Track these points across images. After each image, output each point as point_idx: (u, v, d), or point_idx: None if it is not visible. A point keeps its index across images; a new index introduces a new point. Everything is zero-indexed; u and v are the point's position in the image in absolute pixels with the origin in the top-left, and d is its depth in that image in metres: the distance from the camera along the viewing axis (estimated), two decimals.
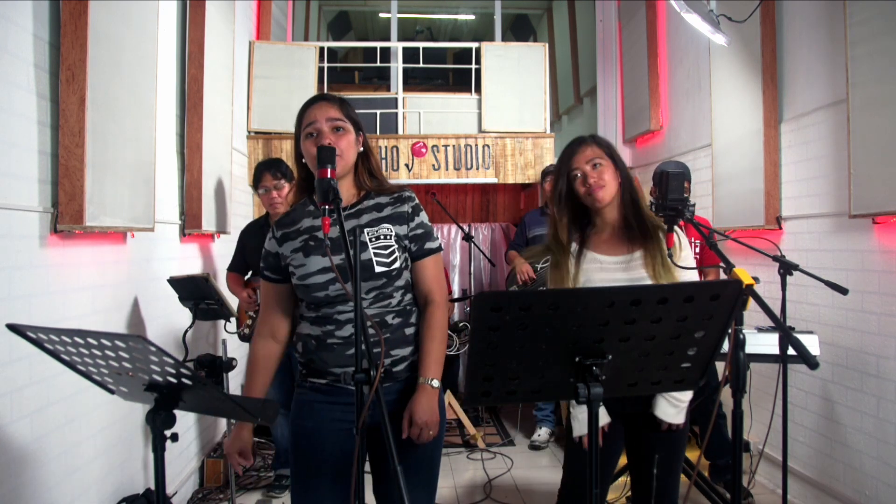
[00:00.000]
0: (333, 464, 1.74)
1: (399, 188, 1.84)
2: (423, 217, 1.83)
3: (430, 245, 1.81)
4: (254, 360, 1.85)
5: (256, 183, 3.39)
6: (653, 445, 2.04)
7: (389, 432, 1.36)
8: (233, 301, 3.43)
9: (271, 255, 1.82)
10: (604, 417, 1.99)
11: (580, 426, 2.01)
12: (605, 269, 2.00)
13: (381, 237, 1.73)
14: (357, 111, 1.85)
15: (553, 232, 2.07)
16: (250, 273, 3.53)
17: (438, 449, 1.81)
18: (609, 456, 2.09)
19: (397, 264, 1.73)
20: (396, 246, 1.74)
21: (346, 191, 1.79)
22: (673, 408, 1.99)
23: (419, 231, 1.80)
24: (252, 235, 3.44)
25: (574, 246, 2.04)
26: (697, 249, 3.32)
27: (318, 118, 1.73)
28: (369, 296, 1.72)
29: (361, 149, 1.80)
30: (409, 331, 1.77)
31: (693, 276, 2.06)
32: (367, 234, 1.73)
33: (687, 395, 2.00)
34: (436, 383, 1.73)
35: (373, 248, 1.71)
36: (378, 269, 1.70)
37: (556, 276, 2.02)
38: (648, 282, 1.95)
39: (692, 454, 3.64)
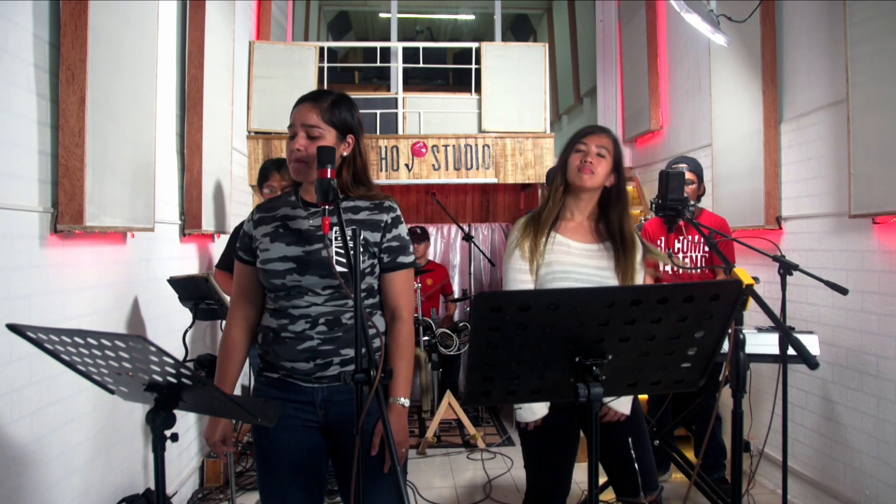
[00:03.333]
0: (291, 461, 1.74)
1: (383, 196, 1.82)
2: (402, 230, 1.81)
3: (403, 259, 1.80)
4: (228, 345, 1.82)
5: (263, 180, 3.37)
6: (619, 431, 2.04)
7: (390, 433, 1.36)
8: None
9: (247, 235, 1.83)
10: (542, 409, 2.01)
11: (527, 412, 2.02)
12: (572, 253, 2.04)
13: (349, 238, 1.73)
14: (359, 113, 1.84)
15: (544, 203, 2.12)
16: None
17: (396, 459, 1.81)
18: (569, 445, 2.10)
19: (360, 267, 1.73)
20: (361, 250, 1.73)
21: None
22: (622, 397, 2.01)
23: (395, 243, 1.79)
24: None
25: (544, 227, 2.08)
26: (706, 249, 3.32)
27: (295, 121, 1.74)
28: (325, 292, 1.72)
29: (346, 153, 1.77)
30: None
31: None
32: (334, 232, 1.70)
33: None
34: (405, 402, 1.74)
35: (336, 247, 1.70)
36: (338, 268, 1.68)
37: (521, 248, 2.05)
38: (611, 273, 2.02)
39: (690, 454, 3.64)
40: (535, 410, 2.01)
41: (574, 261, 2.03)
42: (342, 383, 1.73)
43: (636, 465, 2.02)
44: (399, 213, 1.83)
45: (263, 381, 1.80)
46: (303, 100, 1.77)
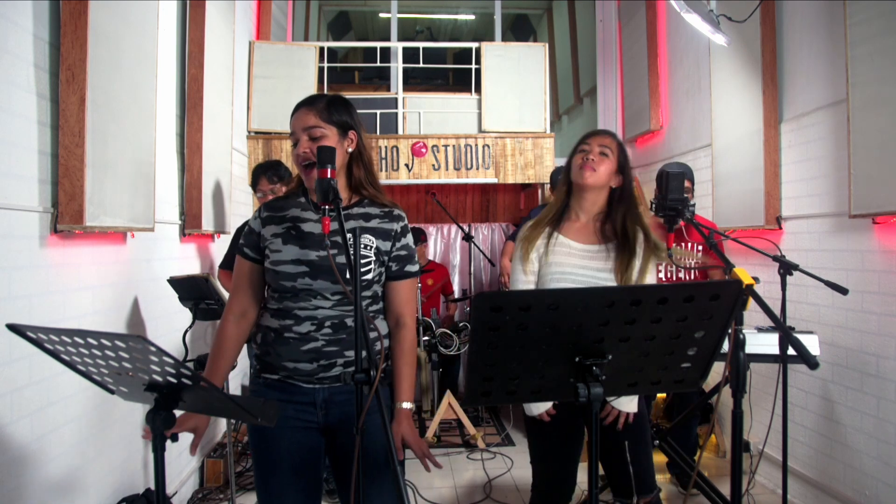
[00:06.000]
0: (290, 462, 1.74)
1: (391, 204, 1.84)
2: (409, 239, 1.84)
3: (410, 268, 1.83)
4: (222, 341, 1.80)
5: (254, 185, 3.39)
6: (618, 433, 2.05)
7: (390, 433, 1.36)
8: None
9: (254, 232, 1.82)
10: (545, 403, 2.02)
11: (534, 406, 2.04)
12: (572, 254, 2.05)
13: (363, 247, 1.74)
14: (357, 112, 1.84)
15: (551, 206, 2.15)
16: None
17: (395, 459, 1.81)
18: (574, 440, 2.11)
19: (369, 276, 1.74)
20: (374, 258, 1.75)
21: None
22: (626, 396, 2.01)
23: (403, 252, 1.81)
24: None
25: (547, 228, 2.10)
26: (700, 250, 3.32)
27: (296, 128, 1.75)
28: (334, 297, 1.73)
29: (351, 149, 1.79)
30: (370, 335, 1.76)
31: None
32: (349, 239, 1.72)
33: None
34: (408, 405, 1.75)
35: (346, 253, 1.70)
36: (349, 275, 1.69)
37: (524, 248, 2.08)
38: (611, 275, 2.02)
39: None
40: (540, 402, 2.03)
41: (573, 262, 2.04)
42: (343, 384, 1.74)
43: (630, 469, 2.03)
44: (407, 221, 1.84)
45: (262, 382, 1.79)
46: (299, 106, 1.78)
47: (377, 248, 1.76)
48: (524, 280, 2.08)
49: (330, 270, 1.70)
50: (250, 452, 1.87)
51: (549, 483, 2.12)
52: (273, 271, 1.75)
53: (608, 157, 2.05)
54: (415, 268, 1.84)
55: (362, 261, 1.72)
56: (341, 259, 1.71)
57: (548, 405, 2.03)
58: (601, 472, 1.83)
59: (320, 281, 1.71)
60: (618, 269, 2.02)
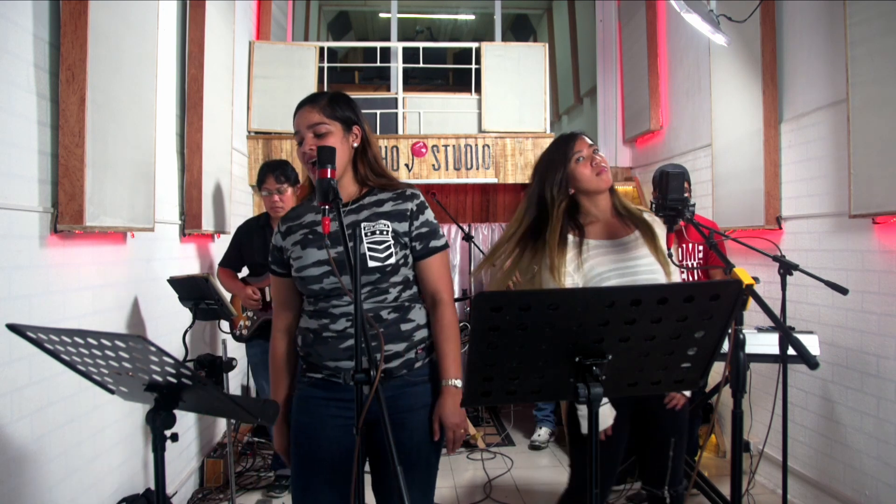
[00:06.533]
0: (330, 461, 1.74)
1: (405, 185, 1.83)
2: (429, 215, 1.82)
3: (435, 243, 1.81)
4: (275, 359, 1.86)
5: (260, 183, 3.38)
6: (666, 429, 2.08)
7: (389, 433, 1.36)
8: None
9: (277, 249, 1.84)
10: (608, 419, 2.00)
11: (602, 420, 2.01)
12: (610, 251, 2.04)
13: (378, 232, 1.74)
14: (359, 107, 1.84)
15: (552, 229, 2.03)
16: (247, 272, 3.53)
17: (437, 450, 1.81)
18: (614, 454, 2.10)
19: (392, 260, 1.73)
20: (392, 242, 1.74)
21: (346, 188, 1.80)
22: None
23: (424, 230, 1.80)
24: (249, 233, 3.44)
25: (573, 238, 2.04)
26: (701, 251, 3.32)
27: (300, 126, 1.75)
28: (364, 290, 1.72)
29: (356, 144, 1.79)
30: (406, 327, 1.76)
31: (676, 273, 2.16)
32: (364, 228, 1.73)
33: None
34: (458, 383, 1.75)
35: (367, 243, 1.71)
36: (371, 263, 1.70)
37: (556, 277, 1.98)
38: (651, 258, 2.02)
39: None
40: (606, 416, 1.99)
41: (612, 258, 2.03)
42: (390, 378, 1.73)
43: (670, 463, 2.06)
44: (423, 198, 1.83)
45: (307, 381, 1.80)
46: (301, 105, 1.79)
47: (394, 230, 1.75)
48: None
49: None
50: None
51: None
52: (299, 278, 1.76)
53: (600, 153, 2.10)
54: (440, 242, 1.82)
55: (380, 246, 1.72)
56: (373, 253, 1.72)
57: (609, 422, 1.98)
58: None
59: (346, 276, 1.70)
60: (651, 247, 2.04)
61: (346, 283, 1.69)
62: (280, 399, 1.84)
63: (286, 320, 1.87)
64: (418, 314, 1.80)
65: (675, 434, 2.08)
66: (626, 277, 1.99)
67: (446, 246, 1.85)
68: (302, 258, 1.75)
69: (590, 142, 2.09)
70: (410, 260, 1.80)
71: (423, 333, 1.78)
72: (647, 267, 2.02)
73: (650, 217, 2.10)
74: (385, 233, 1.74)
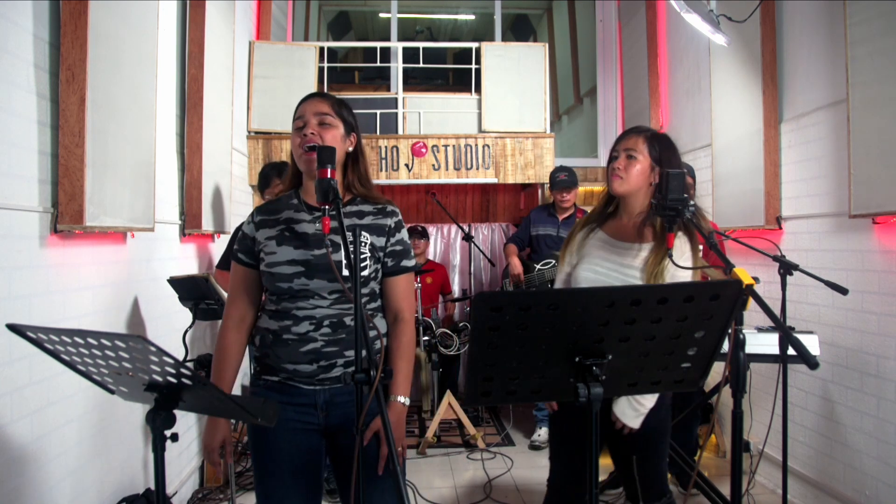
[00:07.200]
0: (290, 463, 1.74)
1: (386, 201, 1.85)
2: (404, 234, 1.85)
3: (406, 263, 1.83)
4: (223, 350, 1.81)
5: (264, 186, 3.38)
6: (628, 445, 2.05)
7: (390, 433, 1.36)
8: None
9: (248, 238, 1.82)
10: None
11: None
12: (604, 247, 2.08)
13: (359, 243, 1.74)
14: (357, 111, 1.86)
15: (595, 207, 2.23)
16: None
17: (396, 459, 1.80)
18: (583, 454, 2.09)
19: (365, 273, 1.74)
20: (369, 255, 1.76)
21: None
22: (632, 410, 1.99)
23: (398, 248, 1.82)
24: None
25: (590, 224, 2.17)
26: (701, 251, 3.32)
27: (306, 112, 1.76)
28: (331, 295, 1.73)
29: (351, 148, 1.81)
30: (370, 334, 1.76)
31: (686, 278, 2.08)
32: (342, 237, 1.72)
33: (649, 401, 1.99)
34: (404, 400, 1.75)
35: (345, 252, 1.70)
36: (346, 271, 1.68)
37: (568, 242, 2.19)
38: (637, 273, 1.99)
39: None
40: None
41: (601, 254, 2.06)
42: (344, 385, 1.73)
43: (637, 480, 2.04)
44: (400, 217, 1.86)
45: (262, 384, 1.79)
46: (310, 96, 1.81)
47: (372, 244, 1.77)
48: (561, 270, 2.19)
49: (326, 269, 1.70)
50: (250, 453, 1.86)
51: (563, 477, 2.12)
52: (269, 273, 1.75)
53: (636, 159, 2.02)
54: (411, 262, 1.85)
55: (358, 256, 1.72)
56: (337, 258, 1.71)
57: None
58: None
59: (317, 280, 1.71)
60: (645, 267, 1.98)
61: (324, 286, 1.69)
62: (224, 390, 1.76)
63: (240, 310, 1.83)
64: (381, 323, 1.82)
65: (636, 452, 2.04)
66: (598, 275, 2.03)
67: (415, 267, 1.87)
68: (276, 254, 1.75)
69: (630, 143, 2.05)
70: (380, 275, 1.81)
71: (384, 342, 1.78)
72: (622, 277, 2.00)
73: (680, 241, 2.00)
74: (364, 245, 1.76)
